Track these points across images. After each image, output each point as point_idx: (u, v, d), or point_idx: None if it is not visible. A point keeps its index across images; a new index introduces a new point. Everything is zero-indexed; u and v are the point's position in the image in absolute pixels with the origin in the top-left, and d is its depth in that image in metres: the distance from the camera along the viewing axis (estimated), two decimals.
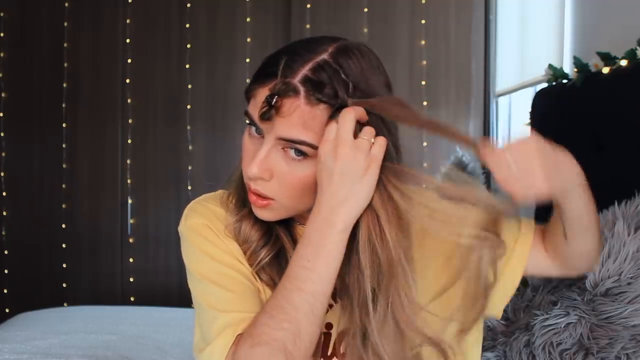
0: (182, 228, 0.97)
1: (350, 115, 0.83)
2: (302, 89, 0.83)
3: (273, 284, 0.92)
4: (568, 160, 0.83)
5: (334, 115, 0.83)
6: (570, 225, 0.91)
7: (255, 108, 0.86)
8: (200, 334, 0.90)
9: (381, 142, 0.85)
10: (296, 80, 0.83)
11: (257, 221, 0.94)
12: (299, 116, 0.83)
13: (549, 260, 0.99)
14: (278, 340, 0.81)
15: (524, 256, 0.98)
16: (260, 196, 0.88)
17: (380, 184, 0.85)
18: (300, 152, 0.85)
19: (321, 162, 0.84)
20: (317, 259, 0.84)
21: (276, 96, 0.82)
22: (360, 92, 0.84)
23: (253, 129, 0.88)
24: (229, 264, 0.92)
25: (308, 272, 0.84)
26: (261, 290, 0.93)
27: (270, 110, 0.83)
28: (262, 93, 0.85)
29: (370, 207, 0.85)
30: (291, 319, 0.82)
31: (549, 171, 0.79)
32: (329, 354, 0.93)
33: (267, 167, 0.86)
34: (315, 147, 0.84)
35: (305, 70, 0.83)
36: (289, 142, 0.85)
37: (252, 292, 0.91)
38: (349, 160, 0.82)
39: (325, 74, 0.83)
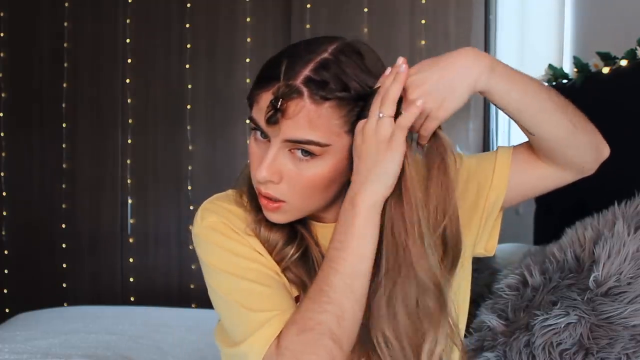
0: (198, 229, 0.95)
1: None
2: (305, 90, 0.83)
3: (300, 282, 0.93)
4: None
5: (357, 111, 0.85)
6: (517, 117, 0.93)
7: (259, 113, 0.86)
8: (232, 330, 0.90)
9: (413, 110, 0.85)
10: (298, 82, 0.83)
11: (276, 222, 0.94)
12: (305, 116, 0.83)
13: (548, 167, 1.00)
14: (323, 323, 0.82)
15: (503, 182, 1.01)
16: (271, 199, 0.89)
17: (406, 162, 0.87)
18: (307, 152, 0.86)
19: (354, 145, 0.86)
20: (347, 237, 0.85)
21: (281, 99, 0.82)
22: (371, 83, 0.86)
23: (258, 133, 0.89)
24: (256, 259, 0.92)
25: (340, 252, 0.86)
26: (288, 286, 0.93)
27: (276, 114, 0.83)
28: (266, 97, 0.85)
29: (397, 193, 0.87)
30: (332, 300, 0.83)
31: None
32: None
33: (275, 170, 0.87)
34: (322, 145, 0.85)
35: (307, 71, 0.84)
36: (295, 143, 0.85)
37: (282, 285, 0.92)
38: (371, 133, 0.84)
39: (327, 73, 0.84)
